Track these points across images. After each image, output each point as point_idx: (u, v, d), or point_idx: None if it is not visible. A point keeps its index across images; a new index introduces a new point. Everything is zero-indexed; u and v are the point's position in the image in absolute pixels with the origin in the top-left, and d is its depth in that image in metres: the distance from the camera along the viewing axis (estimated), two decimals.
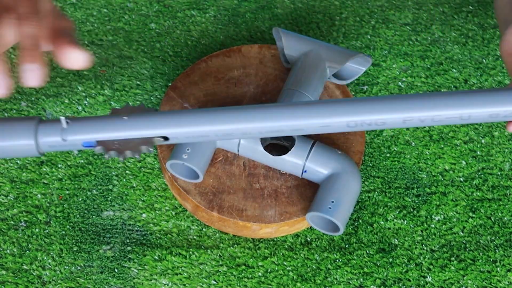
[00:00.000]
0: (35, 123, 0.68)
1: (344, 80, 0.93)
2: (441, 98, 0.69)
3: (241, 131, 0.70)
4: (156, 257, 0.85)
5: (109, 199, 0.89)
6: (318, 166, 0.84)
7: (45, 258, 0.84)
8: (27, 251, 0.85)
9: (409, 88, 0.98)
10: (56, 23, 0.68)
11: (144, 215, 0.88)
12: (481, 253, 0.87)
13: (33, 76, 0.64)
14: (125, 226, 0.87)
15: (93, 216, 0.87)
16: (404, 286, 0.84)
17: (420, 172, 0.92)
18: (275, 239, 0.87)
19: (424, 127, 0.95)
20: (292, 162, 0.84)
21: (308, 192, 0.85)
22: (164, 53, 1.00)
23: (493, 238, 0.88)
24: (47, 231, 0.86)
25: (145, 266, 0.84)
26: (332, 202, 0.80)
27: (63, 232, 0.86)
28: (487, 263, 0.86)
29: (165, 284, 0.83)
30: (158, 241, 0.86)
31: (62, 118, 0.68)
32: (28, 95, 0.95)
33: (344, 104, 0.69)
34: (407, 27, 1.04)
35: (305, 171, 0.84)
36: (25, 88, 0.96)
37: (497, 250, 0.87)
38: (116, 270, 0.84)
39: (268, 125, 0.69)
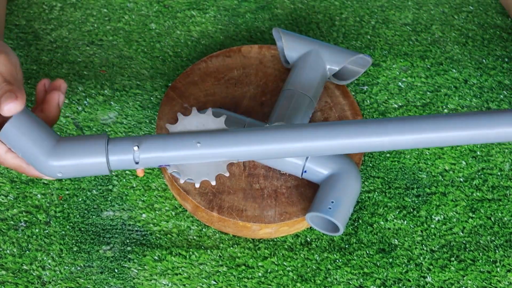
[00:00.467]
0: (105, 141, 0.71)
1: (344, 80, 0.93)
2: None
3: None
4: (156, 257, 0.85)
5: (109, 199, 0.89)
6: (318, 166, 0.84)
7: (45, 258, 0.84)
8: (27, 251, 0.85)
9: (409, 88, 0.98)
10: None
11: (144, 215, 0.88)
12: (481, 254, 0.87)
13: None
14: (125, 226, 0.87)
15: (93, 216, 0.87)
16: (404, 287, 0.84)
17: (420, 172, 0.92)
18: (275, 239, 0.87)
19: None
20: (292, 162, 0.84)
21: (308, 192, 0.85)
22: (164, 53, 1.00)
23: (493, 239, 0.88)
24: (47, 231, 0.86)
25: (145, 266, 0.84)
26: (332, 202, 0.80)
27: (63, 232, 0.86)
28: (487, 264, 0.86)
29: (165, 284, 0.83)
30: (158, 241, 0.86)
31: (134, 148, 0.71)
32: (29, 95, 0.95)
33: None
34: (407, 27, 1.04)
35: (305, 171, 0.84)
36: (25, 88, 0.96)
37: (497, 251, 0.87)
38: (116, 270, 0.84)
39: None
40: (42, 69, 0.97)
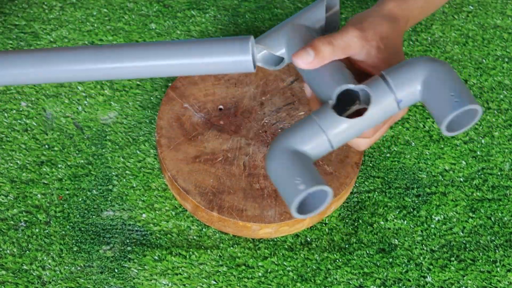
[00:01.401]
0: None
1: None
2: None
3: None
4: (156, 257, 0.85)
5: (109, 199, 0.89)
6: (407, 87, 0.71)
7: (45, 258, 0.84)
8: (27, 251, 0.85)
9: None
10: None
11: (144, 215, 0.88)
12: (481, 253, 0.87)
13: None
14: (125, 226, 0.87)
15: (93, 216, 0.87)
16: (404, 286, 0.84)
17: (420, 172, 0.92)
18: (275, 239, 0.87)
19: (423, 126, 0.95)
20: (383, 107, 0.72)
21: None
22: None
23: (493, 238, 0.88)
24: (47, 231, 0.86)
25: (145, 266, 0.84)
26: (452, 95, 0.69)
27: (63, 232, 0.86)
28: (487, 263, 0.86)
29: (165, 284, 0.83)
30: (158, 241, 0.86)
31: None
32: (28, 95, 0.95)
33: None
34: None
35: (400, 101, 0.72)
36: (25, 88, 0.96)
37: (497, 250, 0.87)
38: (116, 270, 0.84)
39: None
40: None
